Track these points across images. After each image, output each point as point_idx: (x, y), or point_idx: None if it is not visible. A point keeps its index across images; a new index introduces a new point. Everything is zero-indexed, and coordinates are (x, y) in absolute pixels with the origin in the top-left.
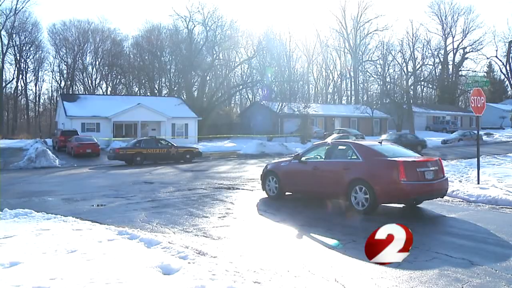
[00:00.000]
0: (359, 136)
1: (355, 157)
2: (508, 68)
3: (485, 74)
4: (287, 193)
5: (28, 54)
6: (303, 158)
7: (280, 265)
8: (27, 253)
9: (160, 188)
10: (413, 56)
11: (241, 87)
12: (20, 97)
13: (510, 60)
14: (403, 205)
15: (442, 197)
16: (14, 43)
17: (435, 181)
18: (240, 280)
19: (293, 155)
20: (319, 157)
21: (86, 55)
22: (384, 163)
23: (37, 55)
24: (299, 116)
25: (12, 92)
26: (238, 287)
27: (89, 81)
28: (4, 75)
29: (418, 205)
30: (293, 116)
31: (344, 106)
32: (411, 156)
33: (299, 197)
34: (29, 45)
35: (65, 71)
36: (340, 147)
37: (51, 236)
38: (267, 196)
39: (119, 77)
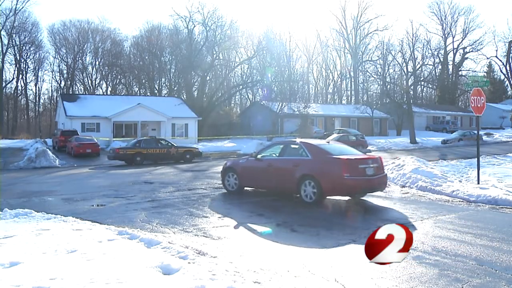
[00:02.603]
0: (359, 136)
1: (305, 155)
2: (508, 68)
3: (485, 74)
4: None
5: (28, 54)
6: (259, 156)
7: (280, 265)
8: (27, 253)
9: (160, 188)
10: (413, 56)
11: (241, 87)
12: (20, 97)
13: (510, 60)
14: (347, 198)
15: (382, 191)
16: (14, 43)
17: (375, 177)
18: (240, 280)
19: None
20: (274, 155)
21: (86, 55)
22: (330, 160)
23: (37, 55)
24: (299, 116)
25: (12, 92)
26: (238, 287)
27: (89, 81)
28: (4, 75)
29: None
30: (293, 116)
31: (344, 106)
32: (355, 154)
33: (258, 191)
34: (29, 45)
35: (65, 71)
36: (292, 146)
37: (51, 236)
38: (226, 191)
39: (119, 77)
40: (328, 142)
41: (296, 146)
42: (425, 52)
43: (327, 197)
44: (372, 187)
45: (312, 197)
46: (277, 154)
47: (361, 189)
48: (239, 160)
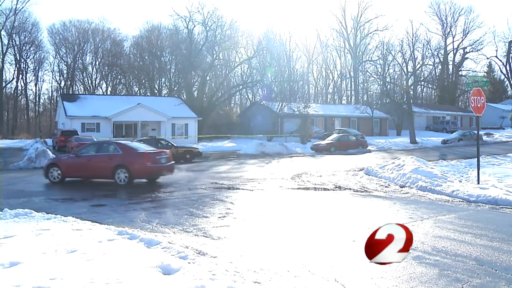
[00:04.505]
0: (359, 136)
1: (117, 151)
2: (508, 68)
3: (485, 74)
4: (67, 179)
5: (28, 54)
6: (79, 153)
7: (280, 265)
8: (27, 253)
9: (160, 188)
10: (413, 56)
11: (241, 87)
12: (20, 97)
13: (510, 60)
14: (146, 180)
15: (171, 174)
16: (14, 43)
17: (167, 164)
18: (240, 280)
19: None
20: (92, 152)
21: (86, 55)
22: (137, 154)
23: (37, 55)
24: (299, 116)
25: (12, 92)
26: (238, 287)
27: (89, 81)
28: (4, 75)
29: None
30: (293, 116)
31: (344, 106)
32: (153, 149)
33: (78, 180)
34: (29, 45)
35: (65, 71)
36: (106, 144)
37: (51, 236)
38: (49, 181)
39: (119, 77)
40: (132, 141)
41: (110, 145)
42: (425, 52)
43: (135, 180)
44: (165, 171)
45: (124, 180)
46: (94, 152)
47: (159, 173)
48: (62, 157)
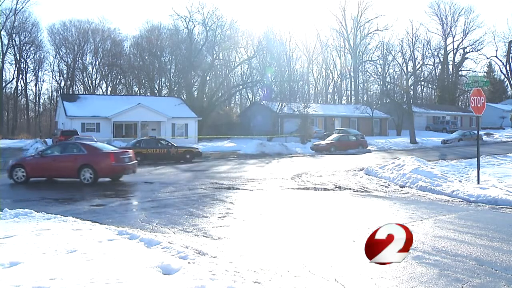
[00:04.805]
0: (359, 136)
1: (82, 151)
2: (508, 68)
3: (485, 74)
4: (32, 179)
5: (28, 54)
6: (44, 153)
7: (280, 265)
8: (27, 253)
9: (160, 188)
10: (413, 56)
11: (241, 87)
12: (20, 97)
13: (510, 60)
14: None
15: (134, 173)
16: (14, 43)
17: (130, 163)
18: (240, 280)
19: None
20: (56, 152)
21: (86, 55)
22: (101, 153)
23: (37, 55)
24: (299, 116)
25: (12, 92)
26: (238, 287)
27: (89, 81)
28: (4, 75)
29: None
30: (293, 116)
31: (344, 106)
32: (116, 149)
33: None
34: (29, 45)
35: (65, 71)
36: (71, 145)
37: (51, 236)
38: (14, 182)
39: (119, 77)
40: (96, 141)
41: (75, 145)
42: (425, 52)
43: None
44: (129, 170)
45: (89, 180)
46: (60, 152)
47: (123, 171)
48: (26, 158)
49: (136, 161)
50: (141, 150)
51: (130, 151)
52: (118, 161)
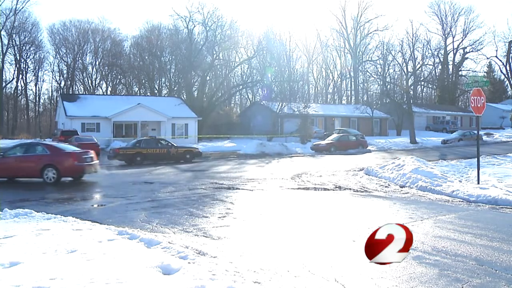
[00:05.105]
0: (359, 136)
1: (45, 151)
2: (508, 68)
3: (485, 74)
4: None
5: (28, 54)
6: (6, 154)
7: (280, 265)
8: (27, 253)
9: (160, 188)
10: (413, 56)
11: (241, 87)
12: (20, 97)
13: (510, 60)
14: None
15: (96, 172)
16: (14, 43)
17: (91, 163)
18: (240, 280)
19: None
20: (19, 153)
21: (86, 55)
22: (64, 153)
23: (37, 55)
24: (299, 116)
25: (12, 92)
26: (238, 287)
27: (89, 81)
28: (4, 75)
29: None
30: (293, 116)
31: (344, 106)
32: (78, 149)
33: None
34: (29, 45)
35: (65, 71)
36: (33, 146)
37: (51, 236)
38: None
39: (119, 77)
40: (59, 142)
41: (38, 146)
42: (425, 52)
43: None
44: (90, 170)
45: (52, 179)
46: (22, 152)
47: (85, 171)
48: None
49: (97, 161)
50: (141, 150)
51: (92, 151)
52: (80, 161)
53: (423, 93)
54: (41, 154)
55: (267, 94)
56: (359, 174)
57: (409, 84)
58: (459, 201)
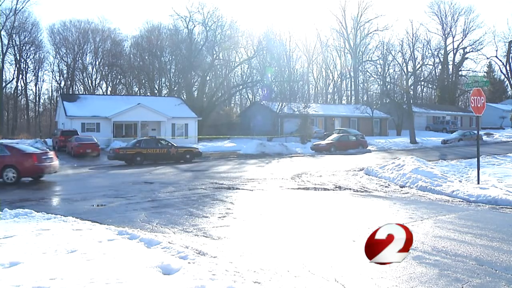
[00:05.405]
0: (359, 136)
1: (5, 152)
2: (508, 68)
3: (485, 74)
4: None
5: (28, 54)
6: None
7: (280, 265)
8: (27, 253)
9: (160, 188)
10: (413, 56)
11: (241, 87)
12: (20, 97)
13: (510, 60)
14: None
15: (56, 172)
16: (14, 43)
17: (51, 163)
18: (240, 280)
19: None
20: None
21: (86, 55)
22: (25, 154)
23: (37, 55)
24: (299, 116)
25: (12, 92)
26: (238, 287)
27: (89, 81)
28: (4, 75)
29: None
30: (293, 116)
31: (344, 106)
32: (39, 150)
33: None
34: (29, 45)
35: (65, 71)
36: None
37: (51, 236)
38: None
39: (119, 77)
40: (18, 143)
41: None
42: (425, 52)
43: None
44: (50, 170)
45: (12, 179)
46: None
47: (45, 171)
48: None
49: (57, 161)
50: (141, 150)
51: (51, 152)
52: (40, 162)
53: (423, 93)
54: (1, 155)
55: (267, 94)
56: (359, 174)
57: (409, 84)
58: (459, 201)
